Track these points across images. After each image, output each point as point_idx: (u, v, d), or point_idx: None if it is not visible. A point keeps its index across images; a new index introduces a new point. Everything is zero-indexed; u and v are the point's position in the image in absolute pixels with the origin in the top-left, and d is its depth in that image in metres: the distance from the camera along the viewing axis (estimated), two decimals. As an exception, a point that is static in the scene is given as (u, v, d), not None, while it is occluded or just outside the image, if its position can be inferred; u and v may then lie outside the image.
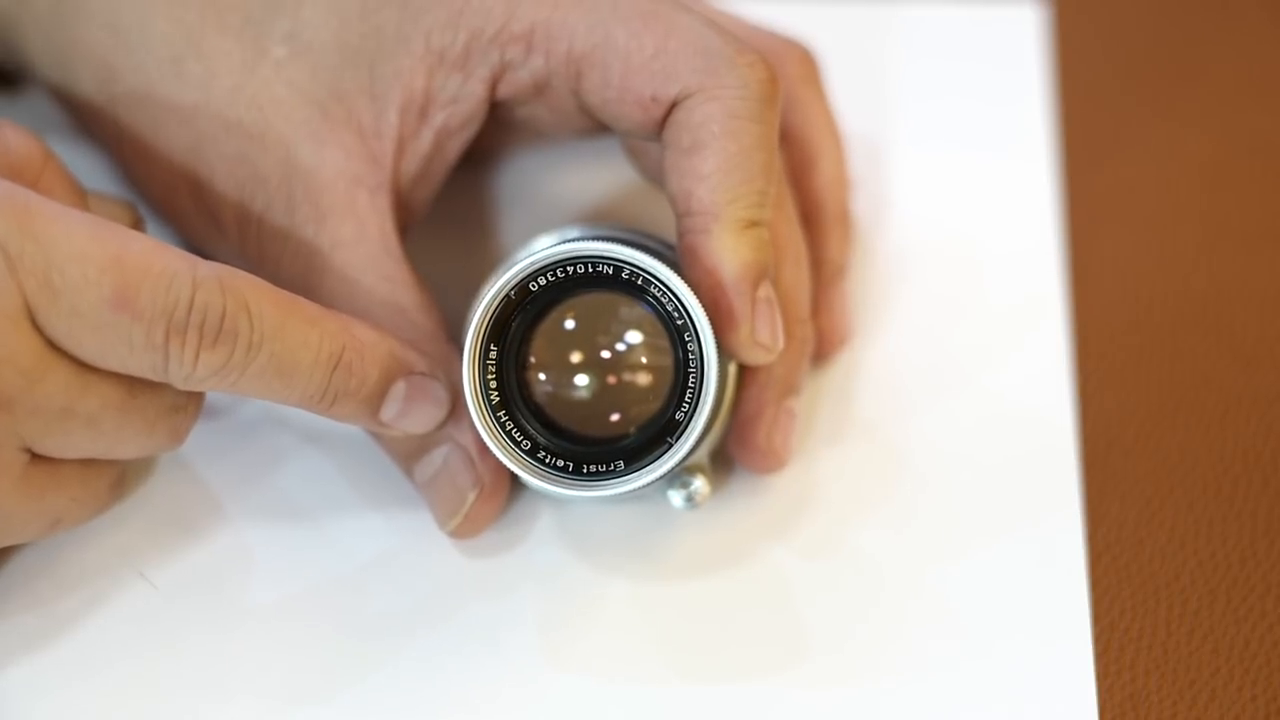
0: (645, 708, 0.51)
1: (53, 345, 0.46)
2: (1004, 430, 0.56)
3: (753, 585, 0.53)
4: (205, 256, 0.56)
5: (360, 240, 0.52)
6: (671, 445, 0.48)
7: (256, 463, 0.55)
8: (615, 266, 0.48)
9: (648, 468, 0.48)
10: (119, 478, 0.51)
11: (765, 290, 0.50)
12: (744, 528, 0.54)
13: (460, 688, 0.51)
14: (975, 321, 0.59)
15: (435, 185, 0.54)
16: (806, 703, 0.51)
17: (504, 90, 0.53)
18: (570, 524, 0.54)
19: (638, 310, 0.49)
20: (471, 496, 0.51)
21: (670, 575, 0.53)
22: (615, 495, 0.48)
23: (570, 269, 0.48)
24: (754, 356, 0.50)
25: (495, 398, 0.49)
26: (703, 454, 0.52)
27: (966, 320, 0.59)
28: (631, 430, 0.50)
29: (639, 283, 0.48)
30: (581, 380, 0.50)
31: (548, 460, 0.49)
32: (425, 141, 0.53)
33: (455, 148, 0.54)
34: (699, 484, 0.52)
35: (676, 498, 0.52)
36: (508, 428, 0.49)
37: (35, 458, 0.47)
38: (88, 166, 0.61)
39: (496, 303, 0.49)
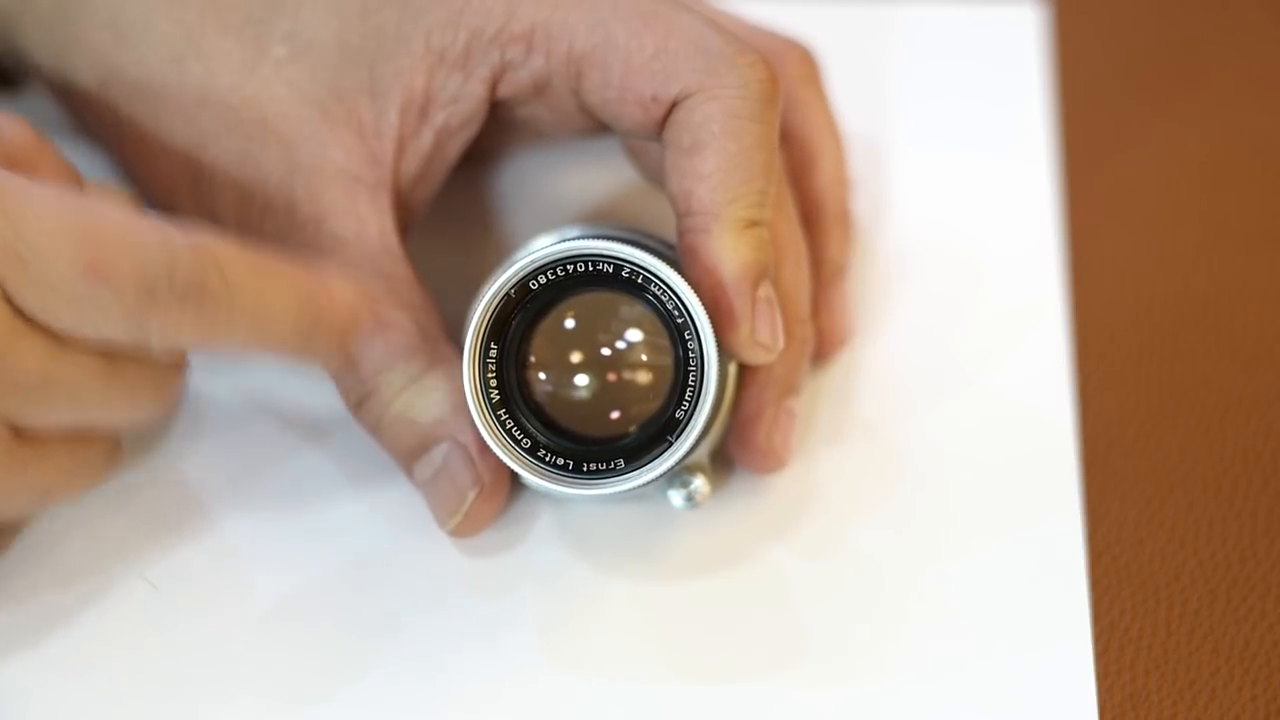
0: (645, 708, 0.51)
1: (25, 318, 0.45)
2: (1004, 430, 0.56)
3: (753, 585, 0.53)
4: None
5: (360, 239, 0.52)
6: (671, 444, 0.48)
7: (256, 462, 0.55)
8: (615, 265, 0.48)
9: (648, 466, 0.48)
10: (111, 448, 0.51)
11: (765, 290, 0.50)
12: (744, 528, 0.54)
13: (460, 688, 0.51)
14: (975, 321, 0.59)
15: (435, 185, 0.55)
16: (806, 702, 0.51)
17: (504, 90, 0.53)
18: (570, 523, 0.54)
19: (638, 309, 0.49)
20: (471, 495, 0.51)
21: (670, 575, 0.53)
22: (615, 494, 0.48)
23: (570, 267, 0.48)
24: (754, 356, 0.50)
25: (495, 396, 0.49)
26: (703, 453, 0.52)
27: (966, 320, 0.59)
28: (631, 429, 0.50)
29: (639, 281, 0.48)
30: (581, 379, 0.50)
31: (548, 459, 0.49)
32: (425, 141, 0.53)
33: (455, 147, 0.54)
34: (699, 483, 0.52)
35: (676, 497, 0.52)
36: (508, 426, 0.49)
37: (19, 432, 0.47)
38: (89, 165, 0.61)
39: (497, 301, 0.49)
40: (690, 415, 0.48)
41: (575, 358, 0.50)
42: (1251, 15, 0.68)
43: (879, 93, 0.65)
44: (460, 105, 0.53)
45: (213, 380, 0.57)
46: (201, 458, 0.55)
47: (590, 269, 0.48)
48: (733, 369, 0.52)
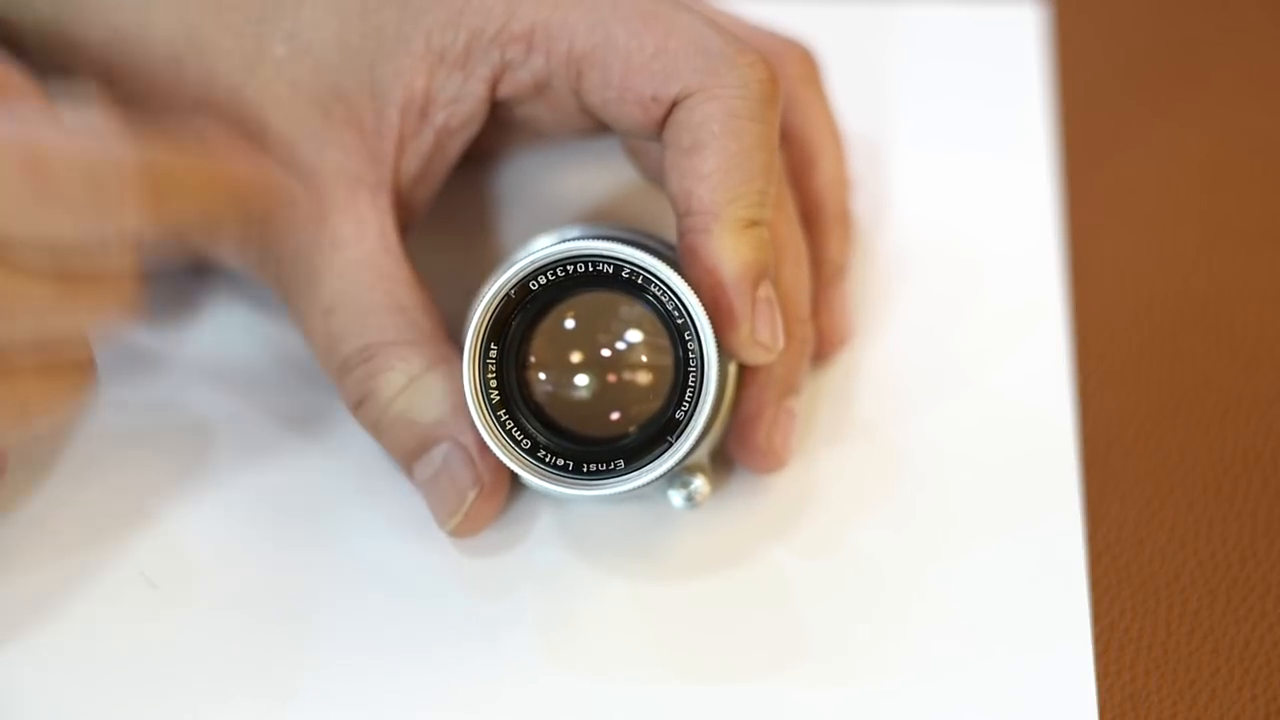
0: (645, 708, 0.51)
1: None
2: (1004, 430, 0.56)
3: (753, 585, 0.53)
4: (206, 255, 0.57)
5: (360, 239, 0.52)
6: (672, 444, 0.48)
7: (256, 462, 0.55)
8: (615, 265, 0.48)
9: (648, 466, 0.48)
10: (85, 363, 0.50)
11: (765, 290, 0.50)
12: (744, 528, 0.54)
13: (460, 688, 0.51)
14: (975, 321, 0.59)
15: (436, 185, 0.54)
16: (806, 703, 0.51)
17: (504, 90, 0.53)
18: (570, 524, 0.54)
19: (638, 309, 0.49)
20: (471, 495, 0.51)
21: (670, 575, 0.53)
22: (615, 494, 0.48)
23: (570, 268, 0.48)
24: (754, 356, 0.50)
25: (495, 397, 0.49)
26: (703, 453, 0.52)
27: (966, 320, 0.59)
28: (631, 429, 0.50)
29: (639, 281, 0.48)
30: (581, 379, 0.50)
31: (548, 459, 0.49)
32: (426, 141, 0.53)
33: (456, 147, 0.54)
34: (699, 483, 0.52)
35: (676, 497, 0.52)
36: (508, 427, 0.49)
37: None
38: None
39: (497, 302, 0.49)
40: (690, 416, 0.48)
41: (575, 358, 0.50)
42: (1251, 15, 0.68)
43: (879, 93, 0.65)
44: (460, 105, 0.53)
45: (212, 380, 0.57)
46: (201, 457, 0.55)
47: (590, 269, 0.48)
48: (733, 369, 0.52)
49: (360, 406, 0.52)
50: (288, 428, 0.56)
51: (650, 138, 0.51)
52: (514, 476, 0.52)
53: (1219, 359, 0.59)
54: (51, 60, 0.55)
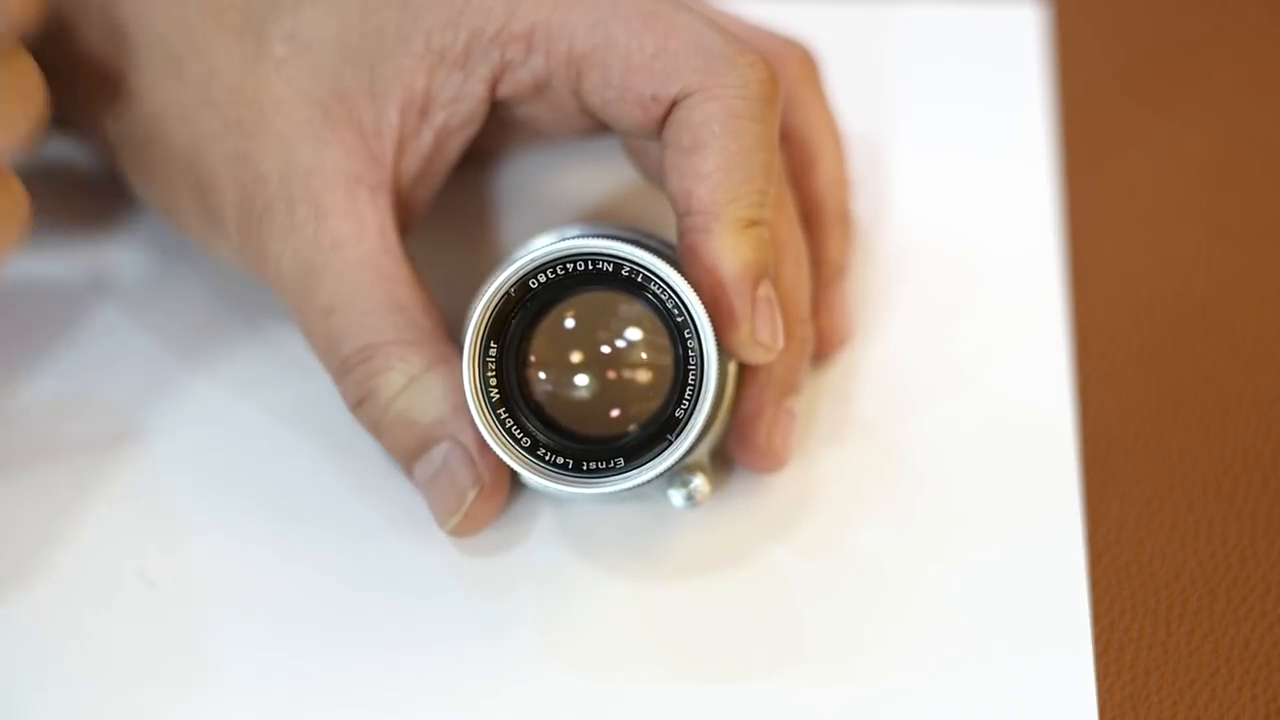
0: (645, 708, 0.51)
1: None
2: (1004, 430, 0.56)
3: (753, 585, 0.53)
4: (206, 256, 0.57)
5: (360, 239, 0.52)
6: (671, 442, 0.48)
7: (256, 462, 0.55)
8: (615, 264, 0.48)
9: (648, 465, 0.48)
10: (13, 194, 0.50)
11: (765, 289, 0.50)
12: (744, 528, 0.54)
13: (460, 688, 0.51)
14: (975, 321, 0.59)
15: (436, 185, 0.55)
16: (806, 702, 0.51)
17: (504, 90, 0.53)
18: (570, 523, 0.54)
19: (637, 308, 0.49)
20: (471, 495, 0.51)
21: (670, 575, 0.53)
22: (615, 492, 0.48)
23: (570, 266, 0.48)
24: (754, 356, 0.50)
25: (495, 395, 0.49)
26: (703, 453, 0.52)
27: (967, 320, 0.59)
28: (631, 428, 0.50)
29: (639, 280, 0.48)
30: (581, 378, 0.50)
31: (548, 458, 0.49)
32: (426, 141, 0.53)
33: (456, 147, 0.54)
34: (699, 483, 0.52)
35: (676, 496, 0.52)
36: (508, 425, 0.49)
37: None
38: (89, 165, 0.61)
39: (496, 300, 0.49)
40: (690, 414, 0.48)
41: (575, 357, 0.50)
42: (1251, 15, 0.68)
43: (879, 93, 0.65)
44: (460, 105, 0.53)
45: (212, 380, 0.57)
46: (201, 457, 0.55)
47: (590, 268, 0.48)
48: (732, 368, 0.52)
49: (360, 406, 0.52)
50: (288, 428, 0.56)
51: (650, 137, 0.52)
52: (514, 475, 0.52)
53: (1219, 359, 0.59)
54: (51, 59, 0.55)
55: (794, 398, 0.53)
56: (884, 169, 0.63)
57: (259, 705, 0.51)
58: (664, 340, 0.49)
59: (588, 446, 0.49)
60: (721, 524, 0.54)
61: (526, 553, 0.53)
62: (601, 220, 0.60)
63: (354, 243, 0.52)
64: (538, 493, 0.54)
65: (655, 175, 0.54)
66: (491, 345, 0.49)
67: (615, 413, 0.50)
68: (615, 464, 0.49)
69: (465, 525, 0.52)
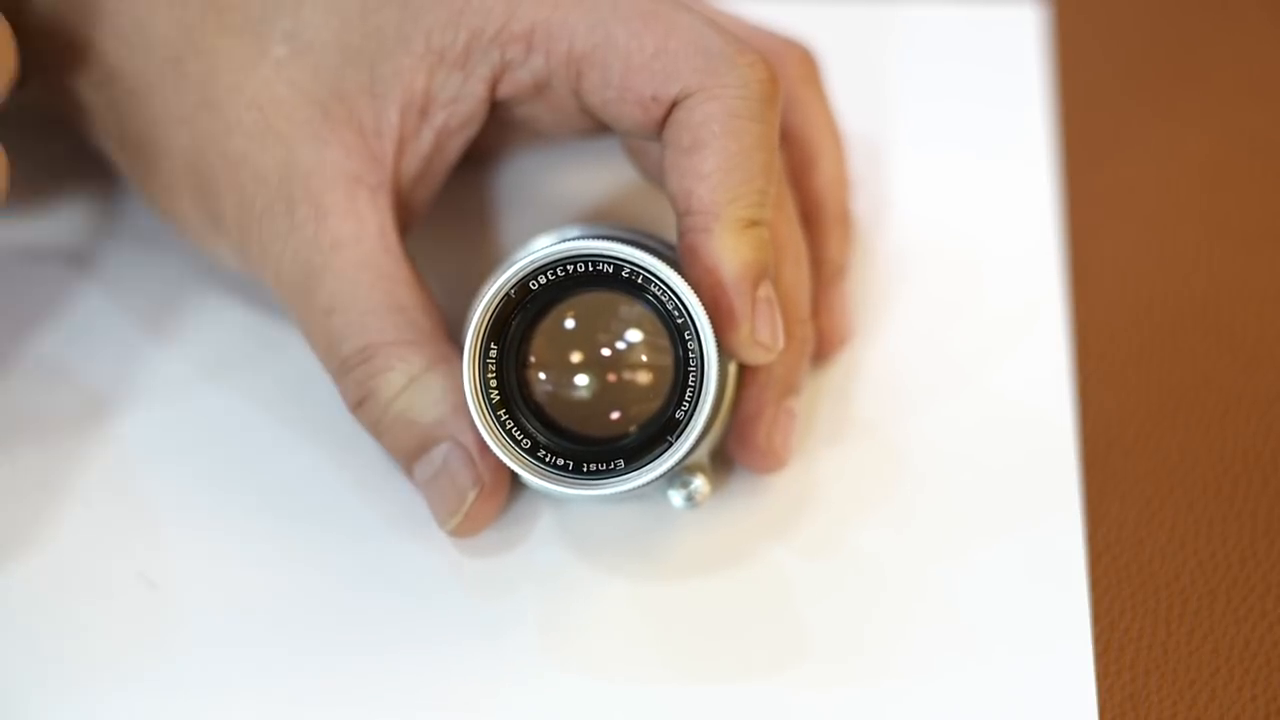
0: (645, 708, 0.51)
1: None
2: (1004, 430, 0.56)
3: (753, 585, 0.53)
4: (207, 256, 0.57)
5: (360, 239, 0.52)
6: (672, 444, 0.48)
7: (256, 462, 0.55)
8: (615, 265, 0.48)
9: (648, 466, 0.48)
10: None
11: (765, 290, 0.50)
12: (744, 528, 0.54)
13: (460, 688, 0.51)
14: (975, 321, 0.59)
15: (436, 185, 0.54)
16: (806, 702, 0.51)
17: (504, 90, 0.53)
18: (570, 524, 0.54)
19: (638, 309, 0.49)
20: (472, 495, 0.51)
21: (670, 575, 0.53)
22: (615, 494, 0.48)
23: (570, 267, 0.48)
24: (754, 356, 0.50)
25: (495, 396, 0.49)
26: (703, 453, 0.52)
27: (967, 320, 0.59)
28: (632, 429, 0.50)
29: (639, 281, 0.48)
30: (581, 379, 0.50)
31: (548, 459, 0.49)
32: (426, 141, 0.53)
33: (456, 147, 0.54)
34: (699, 483, 0.52)
35: (676, 497, 0.52)
36: (508, 426, 0.49)
37: None
38: (89, 165, 0.61)
39: (497, 301, 0.49)
40: (690, 415, 0.48)
41: (575, 358, 0.50)
42: (1251, 15, 0.68)
43: (879, 93, 0.65)
44: (460, 105, 0.53)
45: (212, 380, 0.57)
46: (201, 457, 0.55)
47: (590, 269, 0.48)
48: (733, 369, 0.52)
49: (360, 406, 0.52)
50: (288, 428, 0.56)
51: (650, 138, 0.51)
52: (514, 476, 0.52)
53: (1219, 359, 0.59)
54: (51, 59, 0.55)
55: (794, 398, 0.53)
56: (884, 169, 0.63)
57: (259, 705, 0.51)
58: (664, 341, 0.49)
59: (588, 448, 0.49)
60: (721, 524, 0.54)
61: (527, 553, 0.53)
62: (601, 220, 0.60)
63: (354, 243, 0.52)
64: (538, 493, 0.54)
65: (655, 175, 0.54)
66: (492, 346, 0.49)
67: (615, 414, 0.50)
68: (615, 465, 0.49)
69: (465, 526, 0.52)
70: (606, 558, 0.53)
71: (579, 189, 0.61)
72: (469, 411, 0.49)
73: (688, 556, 0.54)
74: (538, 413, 0.50)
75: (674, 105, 0.50)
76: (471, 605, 0.52)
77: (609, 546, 0.54)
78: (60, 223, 0.60)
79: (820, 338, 0.56)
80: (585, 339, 0.50)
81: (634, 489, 0.48)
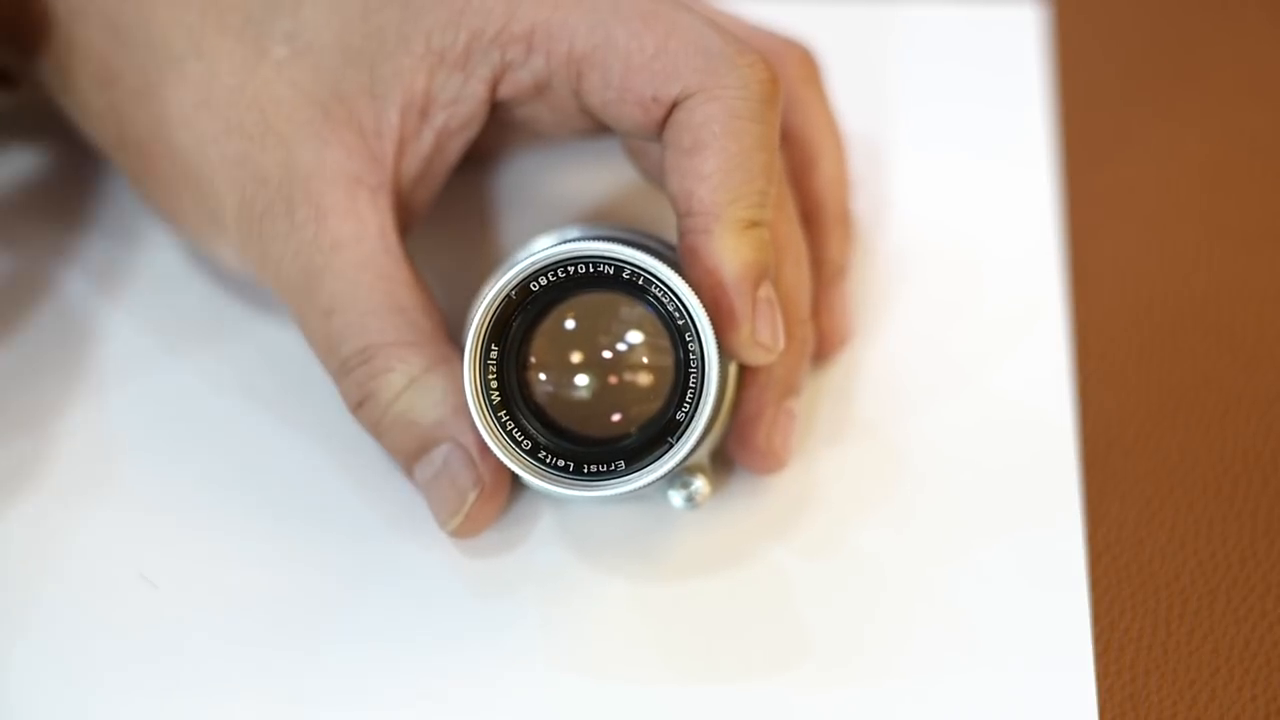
0: (645, 708, 0.51)
1: None
2: (1004, 430, 0.56)
3: (753, 585, 0.53)
4: (207, 256, 0.57)
5: (360, 240, 0.52)
6: (672, 445, 0.48)
7: (257, 462, 0.55)
8: (616, 266, 0.48)
9: (648, 468, 0.48)
10: None
11: (766, 290, 0.50)
12: (744, 528, 0.54)
13: (460, 688, 0.51)
14: (975, 321, 0.59)
15: (436, 185, 0.54)
16: (806, 703, 0.51)
17: (505, 90, 0.53)
18: (571, 524, 0.54)
19: (638, 310, 0.49)
20: (472, 496, 0.51)
21: (670, 575, 0.53)
22: (616, 495, 0.48)
23: (571, 269, 0.48)
24: (754, 357, 0.50)
25: (496, 397, 0.49)
26: (703, 454, 0.52)
27: (967, 320, 0.59)
28: (632, 430, 0.50)
29: (640, 282, 0.48)
30: (582, 380, 0.50)
31: (548, 460, 0.49)
32: (426, 142, 0.53)
33: (456, 148, 0.54)
34: (699, 484, 0.52)
35: (677, 498, 0.52)
36: (508, 427, 0.49)
37: None
38: (89, 165, 0.61)
39: (497, 302, 0.49)
40: (691, 416, 0.48)
41: (576, 359, 0.50)
42: (1251, 15, 0.68)
43: (879, 93, 0.65)
44: (461, 106, 0.53)
45: (212, 380, 0.57)
46: (202, 457, 0.55)
47: (591, 270, 0.48)
48: (733, 369, 0.52)
49: (361, 407, 0.52)
50: (288, 428, 0.56)
51: (650, 138, 0.51)
52: (514, 477, 0.52)
53: (1219, 359, 0.59)
54: (51, 60, 0.55)
55: (794, 398, 0.53)
56: (884, 169, 0.63)
57: (259, 705, 0.51)
58: (665, 342, 0.49)
59: (588, 449, 0.49)
60: (721, 524, 0.54)
61: (527, 554, 0.53)
62: (602, 221, 0.60)
63: (354, 243, 0.52)
64: (538, 494, 0.54)
65: (655, 176, 0.54)
66: (492, 347, 0.49)
67: (616, 415, 0.50)
68: (616, 467, 0.49)
69: (466, 526, 0.52)
70: (607, 558, 0.53)
71: (579, 189, 0.61)
72: (469, 412, 0.49)
73: (688, 557, 0.54)
74: (538, 414, 0.50)
75: (674, 106, 0.50)
76: (472, 606, 0.52)
77: (609, 547, 0.54)
78: (60, 221, 0.60)
79: (820, 338, 0.56)
80: (586, 340, 0.50)
81: (635, 490, 0.48)
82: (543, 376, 0.50)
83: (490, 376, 0.49)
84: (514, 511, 0.54)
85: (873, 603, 0.53)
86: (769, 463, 0.53)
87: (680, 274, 0.48)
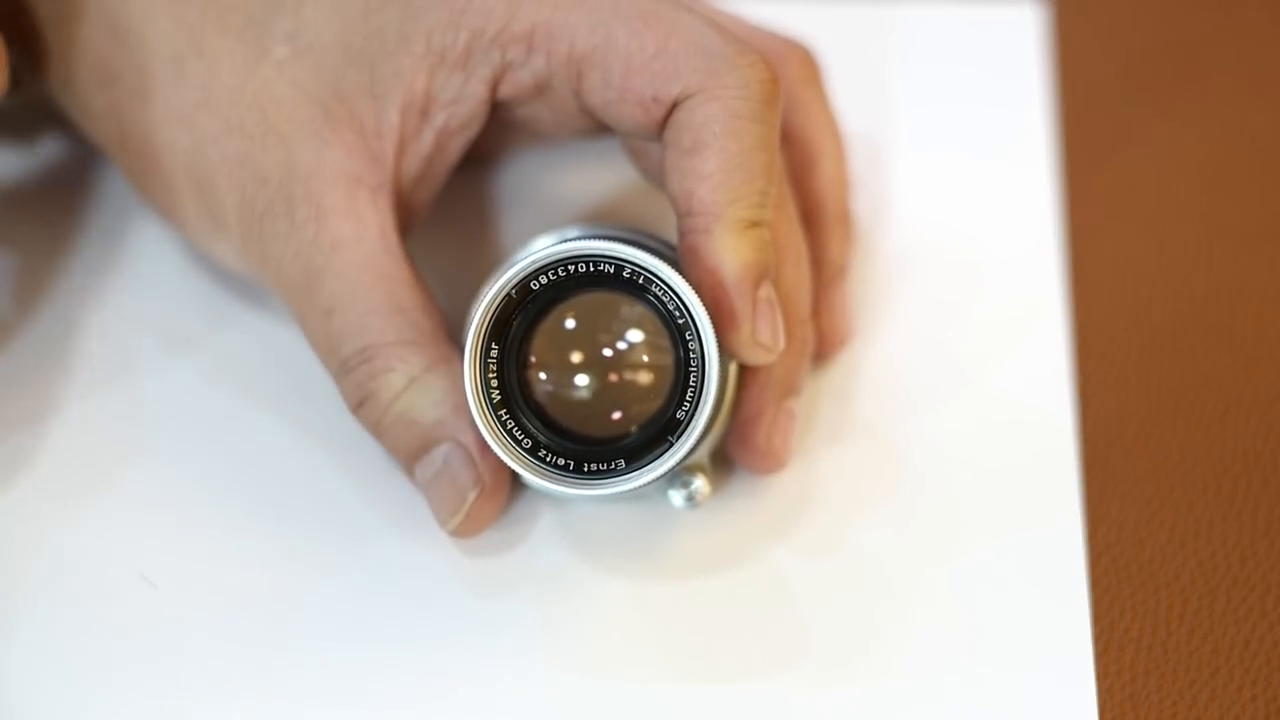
0: (645, 708, 0.51)
1: None
2: (1004, 430, 0.56)
3: (753, 585, 0.53)
4: (208, 256, 0.57)
5: (361, 239, 0.52)
6: (672, 444, 0.48)
7: (257, 462, 0.55)
8: (616, 265, 0.48)
9: (649, 466, 0.48)
10: None
11: (766, 290, 0.50)
12: (744, 528, 0.54)
13: (460, 688, 0.51)
14: (975, 321, 0.59)
15: (436, 185, 0.54)
16: (806, 702, 0.51)
17: (505, 90, 0.53)
18: (571, 524, 0.54)
19: (639, 309, 0.49)
20: (472, 496, 0.51)
21: (670, 575, 0.53)
22: (616, 494, 0.48)
23: (571, 268, 0.48)
24: (755, 357, 0.50)
25: (496, 396, 0.49)
26: (703, 454, 0.52)
27: (967, 320, 0.59)
28: (632, 429, 0.50)
29: (640, 281, 0.48)
30: (582, 379, 0.50)
31: (549, 459, 0.49)
32: (426, 142, 0.53)
33: (456, 148, 0.54)
34: (699, 484, 0.52)
35: (677, 497, 0.52)
36: (509, 426, 0.49)
37: None
38: (89, 166, 0.61)
39: (498, 302, 0.49)
40: (691, 416, 0.48)
41: (576, 358, 0.50)
42: (1251, 15, 0.68)
43: (879, 93, 0.65)
44: (461, 106, 0.53)
45: (213, 380, 0.57)
46: (201, 456, 0.55)
47: (591, 269, 0.48)
48: (733, 369, 0.52)
49: (361, 407, 0.52)
50: (288, 428, 0.56)
51: (651, 138, 0.51)
52: (515, 476, 0.52)
53: (1219, 359, 0.59)
54: (52, 60, 0.55)
55: (794, 398, 0.53)
56: (884, 169, 0.63)
57: (259, 705, 0.51)
58: (665, 342, 0.49)
59: (589, 448, 0.49)
60: (721, 524, 0.54)
61: (527, 553, 0.53)
62: (602, 221, 0.60)
63: (354, 243, 0.52)
64: (538, 493, 0.54)
65: (656, 176, 0.54)
66: (493, 346, 0.49)
67: (616, 414, 0.50)
68: (616, 465, 0.49)
69: (466, 526, 0.52)
70: (607, 558, 0.53)
71: (579, 189, 0.61)
72: (469, 412, 0.49)
73: (688, 556, 0.54)
74: (539, 413, 0.50)
75: (675, 106, 0.50)
76: (472, 605, 0.52)
77: (609, 547, 0.54)
78: (59, 221, 0.60)
79: (821, 338, 0.56)
80: (586, 339, 0.50)
81: (635, 489, 0.48)
82: (543, 375, 0.50)
83: (490, 375, 0.49)
84: (514, 511, 0.54)
85: (873, 603, 0.53)
86: (769, 463, 0.53)
87: (681, 273, 0.48)
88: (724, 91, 0.50)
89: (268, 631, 0.52)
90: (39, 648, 0.51)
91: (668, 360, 0.49)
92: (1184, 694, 0.51)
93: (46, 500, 0.54)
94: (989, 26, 0.67)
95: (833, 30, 0.63)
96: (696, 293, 0.48)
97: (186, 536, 0.54)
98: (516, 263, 0.49)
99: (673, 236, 0.51)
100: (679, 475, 0.52)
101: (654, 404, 0.50)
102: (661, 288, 0.48)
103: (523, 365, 0.50)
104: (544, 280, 0.49)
